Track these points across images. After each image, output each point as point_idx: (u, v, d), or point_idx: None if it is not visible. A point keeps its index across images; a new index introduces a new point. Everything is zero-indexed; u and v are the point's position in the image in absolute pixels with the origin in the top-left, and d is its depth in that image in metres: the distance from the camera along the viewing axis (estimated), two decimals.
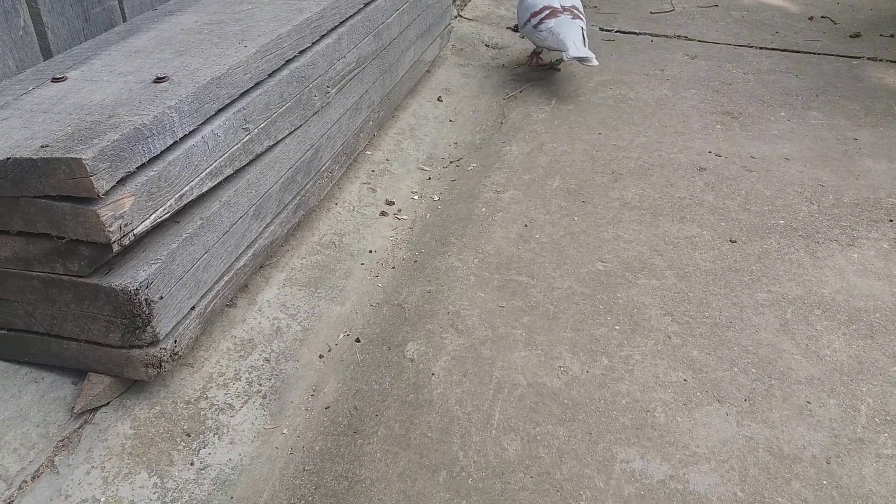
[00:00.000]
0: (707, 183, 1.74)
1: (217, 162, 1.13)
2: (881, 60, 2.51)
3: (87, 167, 0.88)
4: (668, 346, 1.24)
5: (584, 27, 2.17)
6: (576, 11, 2.18)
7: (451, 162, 1.88)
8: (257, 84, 1.23)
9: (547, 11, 2.15)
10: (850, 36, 2.73)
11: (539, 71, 2.39)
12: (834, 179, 1.77)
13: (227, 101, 1.16)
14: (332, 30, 1.49)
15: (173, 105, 1.02)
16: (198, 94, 1.07)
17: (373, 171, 1.76)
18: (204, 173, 1.10)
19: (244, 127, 1.19)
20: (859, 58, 2.52)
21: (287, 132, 1.33)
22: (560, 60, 2.38)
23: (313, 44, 1.41)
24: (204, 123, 1.10)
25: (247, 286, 1.33)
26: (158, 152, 1.00)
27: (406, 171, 1.81)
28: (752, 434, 1.08)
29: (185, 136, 1.06)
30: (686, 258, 1.47)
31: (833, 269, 1.45)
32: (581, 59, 2.05)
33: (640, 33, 2.70)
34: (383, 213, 1.63)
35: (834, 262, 1.48)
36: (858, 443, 1.07)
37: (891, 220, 1.61)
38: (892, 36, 2.75)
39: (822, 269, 1.46)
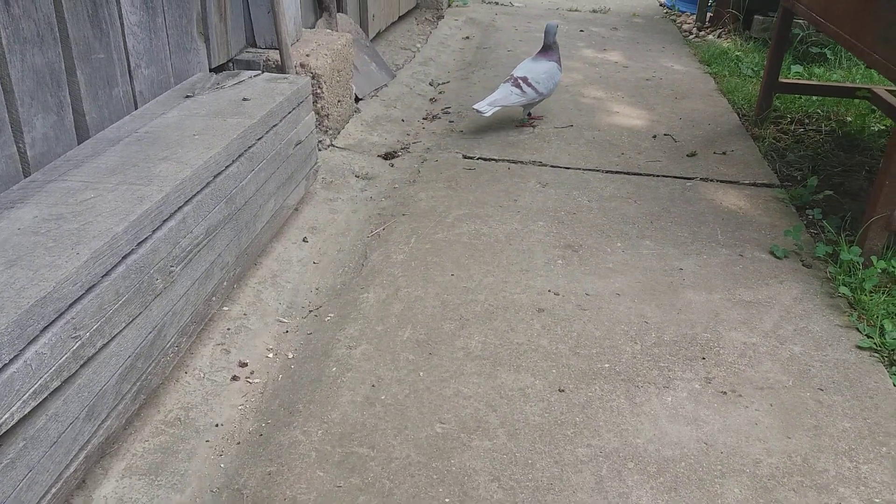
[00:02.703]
0: (544, 326, 1.89)
1: (42, 379, 1.16)
2: (712, 181, 2.79)
3: None
4: None
5: (524, 89, 3.07)
6: (521, 81, 3.08)
7: (311, 311, 1.96)
8: (90, 289, 1.28)
9: (507, 78, 3.15)
10: (688, 155, 3.03)
11: (403, 202, 2.53)
12: (658, 315, 1.96)
13: (55, 316, 1.20)
14: (177, 210, 1.56)
15: None
16: (20, 321, 1.11)
17: (228, 329, 1.82)
18: (27, 395, 1.13)
19: (74, 336, 1.23)
20: (693, 179, 2.80)
21: (125, 324, 1.38)
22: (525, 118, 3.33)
23: (154, 231, 1.48)
24: (28, 345, 1.14)
25: (84, 481, 1.35)
26: None
27: (264, 326, 1.87)
28: None
29: (5, 365, 1.09)
30: (518, 413, 1.59)
31: (648, 416, 1.61)
32: (477, 110, 3.01)
33: (499, 160, 2.91)
34: (235, 378, 1.68)
35: (650, 407, 1.63)
36: None
37: (703, 358, 1.80)
38: (724, 153, 3.07)
39: (638, 415, 1.61)
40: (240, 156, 1.83)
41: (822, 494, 1.43)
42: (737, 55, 4.46)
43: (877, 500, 1.43)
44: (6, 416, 1.09)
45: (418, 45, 4.43)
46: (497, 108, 3.03)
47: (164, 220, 1.51)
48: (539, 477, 1.43)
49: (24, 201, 1.49)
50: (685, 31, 5.30)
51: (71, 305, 1.23)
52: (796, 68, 4.19)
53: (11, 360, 1.10)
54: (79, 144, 1.76)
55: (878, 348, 1.87)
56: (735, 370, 1.76)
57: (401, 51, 4.28)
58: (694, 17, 5.48)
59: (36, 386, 1.15)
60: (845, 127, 3.38)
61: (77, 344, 1.24)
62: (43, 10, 1.62)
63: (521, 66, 3.20)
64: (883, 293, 2.05)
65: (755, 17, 4.80)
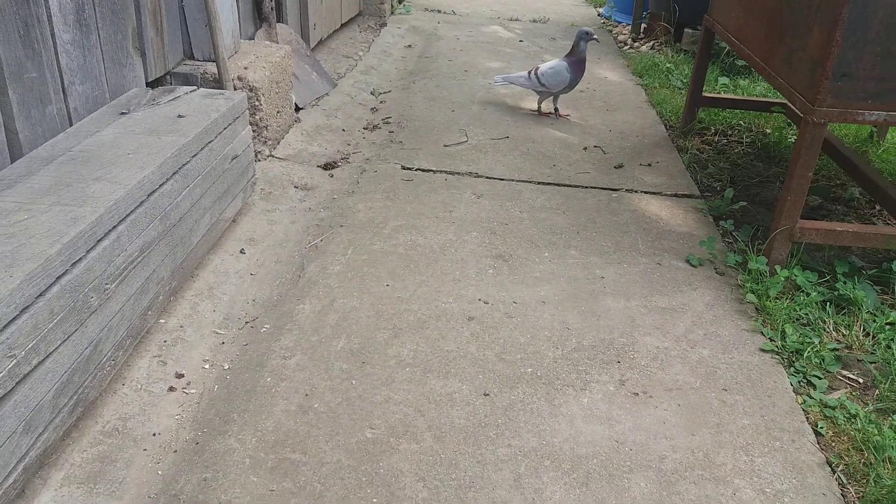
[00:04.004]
0: (473, 333, 2.00)
1: None
2: (636, 192, 2.95)
3: None
4: None
5: (531, 78, 3.65)
6: (534, 72, 3.65)
7: (247, 323, 2.02)
8: (24, 309, 1.33)
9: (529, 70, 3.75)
10: (615, 167, 3.19)
11: (342, 213, 2.60)
12: (579, 321, 2.08)
13: None
14: (112, 230, 1.61)
15: None
16: None
17: (165, 341, 1.87)
18: None
19: (9, 355, 1.28)
20: (618, 190, 2.95)
21: (60, 342, 1.43)
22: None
23: (88, 251, 1.52)
24: None
25: (24, 491, 1.39)
26: None
27: (200, 337, 1.93)
28: None
29: None
30: (444, 417, 1.69)
31: (565, 417, 1.73)
32: (495, 80, 3.82)
33: (436, 171, 3.01)
34: (171, 389, 1.74)
35: (567, 408, 1.75)
36: None
37: (618, 362, 1.93)
38: (649, 165, 3.23)
39: (556, 416, 1.72)
40: (174, 173, 1.88)
41: (719, 486, 1.57)
42: (667, 67, 4.66)
43: (768, 490, 1.58)
44: None
45: (360, 54, 4.50)
46: (505, 84, 3.79)
47: (99, 240, 1.56)
48: (462, 476, 1.53)
49: None
50: (620, 41, 5.50)
51: (5, 327, 1.28)
52: (723, 80, 4.40)
53: None
54: (12, 163, 1.78)
55: (779, 350, 2.03)
56: (647, 373, 1.90)
57: (343, 59, 4.34)
58: (630, 27, 5.68)
59: None
60: (764, 139, 3.59)
61: (12, 363, 1.28)
62: None
63: (548, 61, 3.78)
64: (786, 299, 2.22)
65: (685, 30, 5.02)
